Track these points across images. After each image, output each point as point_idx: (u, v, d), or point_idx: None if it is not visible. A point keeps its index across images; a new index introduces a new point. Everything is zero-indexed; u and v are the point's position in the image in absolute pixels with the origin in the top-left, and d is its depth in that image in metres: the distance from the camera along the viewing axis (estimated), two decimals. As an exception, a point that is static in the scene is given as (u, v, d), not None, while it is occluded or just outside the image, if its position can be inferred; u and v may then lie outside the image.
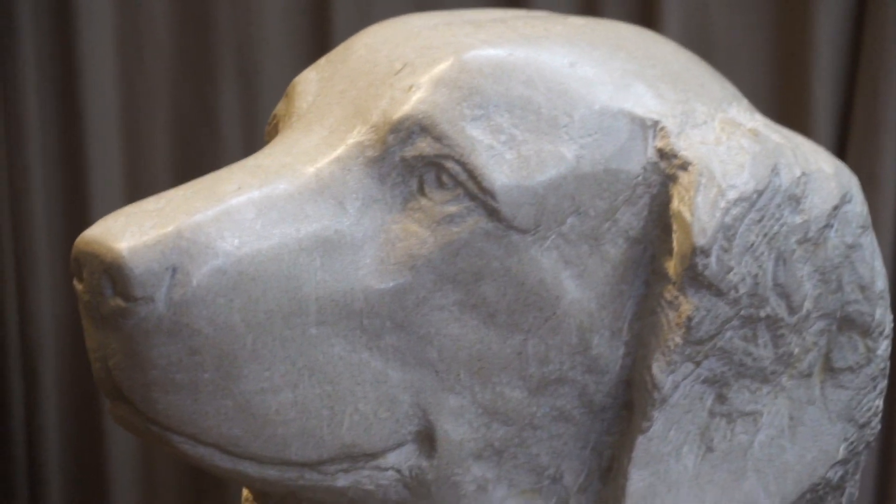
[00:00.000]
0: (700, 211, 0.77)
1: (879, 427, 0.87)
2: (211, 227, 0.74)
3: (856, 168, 1.69)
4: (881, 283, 0.83)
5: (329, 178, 0.77)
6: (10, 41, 1.76)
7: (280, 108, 0.85)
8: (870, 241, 0.83)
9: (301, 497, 0.79)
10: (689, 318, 0.77)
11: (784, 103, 1.71)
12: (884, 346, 0.83)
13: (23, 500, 1.93)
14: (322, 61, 0.84)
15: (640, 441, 0.78)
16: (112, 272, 0.72)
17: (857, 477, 0.89)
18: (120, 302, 0.72)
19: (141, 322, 0.72)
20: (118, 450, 1.86)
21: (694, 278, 0.77)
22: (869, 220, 0.83)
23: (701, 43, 1.71)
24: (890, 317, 0.84)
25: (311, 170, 0.78)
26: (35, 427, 1.88)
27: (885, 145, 1.66)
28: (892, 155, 1.66)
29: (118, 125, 1.80)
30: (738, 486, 0.80)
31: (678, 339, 0.77)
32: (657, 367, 0.77)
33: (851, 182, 0.83)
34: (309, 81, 0.83)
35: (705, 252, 0.76)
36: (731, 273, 0.77)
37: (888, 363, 0.84)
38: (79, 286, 0.75)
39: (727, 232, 0.77)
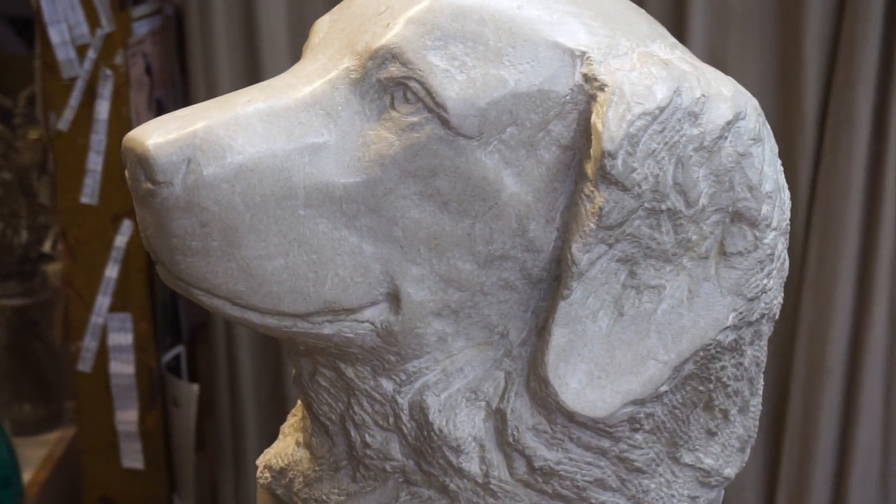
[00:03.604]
0: (610, 122, 0.72)
1: (779, 301, 0.84)
2: (221, 129, 0.72)
3: (836, 112, 1.62)
4: (769, 186, 0.77)
5: (321, 95, 0.75)
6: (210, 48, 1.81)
7: (304, 45, 0.84)
8: (760, 152, 0.77)
9: (299, 342, 0.78)
10: (601, 208, 0.73)
11: (782, 59, 1.65)
12: (771, 237, 0.77)
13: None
14: (335, 8, 0.82)
15: (562, 305, 0.75)
16: (142, 162, 0.71)
17: (763, 343, 0.84)
18: (149, 185, 0.71)
19: (164, 201, 0.71)
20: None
21: (604, 176, 0.72)
22: (762, 135, 0.77)
23: (722, 11, 1.65)
24: (780, 213, 0.79)
25: (308, 88, 0.75)
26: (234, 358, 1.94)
27: (858, 95, 1.59)
28: (866, 103, 1.60)
29: None
30: (642, 343, 0.75)
31: (592, 225, 0.73)
32: (575, 247, 0.74)
33: (748, 104, 0.76)
34: (323, 23, 0.81)
35: (612, 155, 0.72)
36: (635, 173, 0.72)
37: (776, 251, 0.81)
38: (127, 174, 0.75)
39: (631, 139, 0.72)
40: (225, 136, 0.72)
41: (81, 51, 1.70)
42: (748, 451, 0.88)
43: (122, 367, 1.85)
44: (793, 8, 1.60)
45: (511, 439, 0.77)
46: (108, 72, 1.70)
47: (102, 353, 1.85)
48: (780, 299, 0.83)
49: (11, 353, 2.09)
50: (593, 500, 0.79)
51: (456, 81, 0.73)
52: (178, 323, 2.00)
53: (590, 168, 0.73)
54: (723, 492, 0.89)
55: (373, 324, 0.76)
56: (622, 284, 0.76)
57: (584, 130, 0.74)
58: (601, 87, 0.74)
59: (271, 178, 0.72)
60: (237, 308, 0.74)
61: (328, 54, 0.77)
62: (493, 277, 0.76)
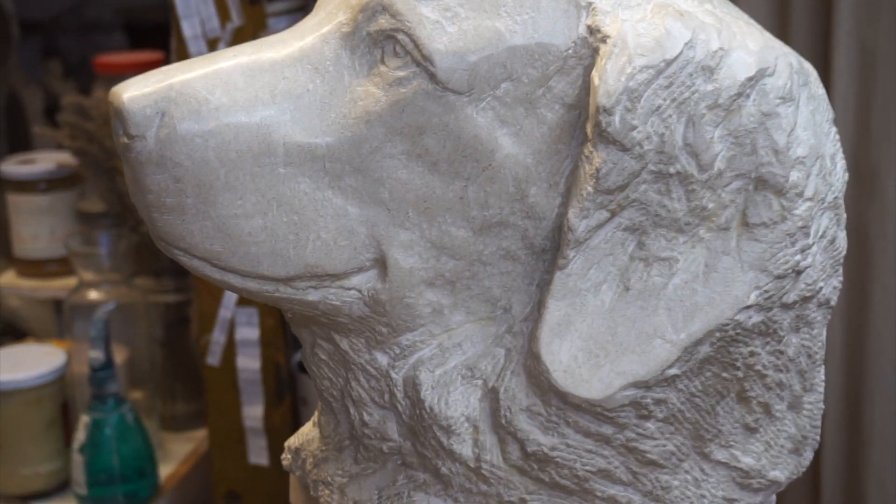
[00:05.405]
0: (608, 75, 0.67)
1: (835, 286, 0.76)
2: (198, 82, 0.70)
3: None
4: (801, 151, 0.69)
5: (310, 49, 0.72)
6: None
7: None
8: (792, 112, 0.70)
9: (286, 309, 0.76)
10: (598, 170, 0.67)
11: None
12: (803, 207, 0.70)
13: None
14: None
15: (559, 276, 0.70)
16: (118, 115, 0.70)
17: (815, 332, 0.76)
18: (125, 139, 0.70)
19: (137, 155, 0.70)
20: None
21: (600, 134, 0.67)
22: (793, 94, 0.70)
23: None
24: (819, 183, 0.71)
25: (298, 43, 0.72)
26: None
27: None
28: None
29: None
30: (648, 320, 0.69)
31: (589, 188, 0.68)
32: (572, 213, 0.69)
33: (778, 60, 0.69)
34: None
35: (608, 111, 0.66)
36: (635, 131, 0.67)
37: (814, 225, 0.73)
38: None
39: (631, 94, 0.66)
40: (202, 90, 0.70)
41: (213, 45, 1.74)
42: (808, 454, 0.80)
43: (249, 362, 1.87)
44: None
45: (504, 421, 0.72)
46: (236, 65, 1.73)
47: (230, 348, 1.87)
48: (837, 284, 0.76)
49: (166, 350, 2.15)
50: (599, 493, 0.73)
51: (446, 33, 0.69)
52: (313, 321, 2.02)
53: (589, 126, 0.68)
54: (774, 497, 0.81)
55: (360, 291, 0.73)
56: (629, 256, 0.70)
57: (589, 87, 0.69)
58: (603, 39, 0.69)
59: (248, 134, 0.70)
60: (217, 270, 0.73)
61: (327, 10, 0.75)
62: (491, 246, 0.72)
